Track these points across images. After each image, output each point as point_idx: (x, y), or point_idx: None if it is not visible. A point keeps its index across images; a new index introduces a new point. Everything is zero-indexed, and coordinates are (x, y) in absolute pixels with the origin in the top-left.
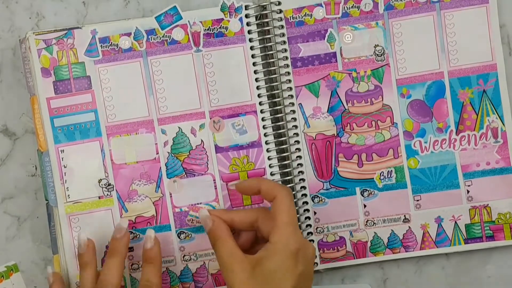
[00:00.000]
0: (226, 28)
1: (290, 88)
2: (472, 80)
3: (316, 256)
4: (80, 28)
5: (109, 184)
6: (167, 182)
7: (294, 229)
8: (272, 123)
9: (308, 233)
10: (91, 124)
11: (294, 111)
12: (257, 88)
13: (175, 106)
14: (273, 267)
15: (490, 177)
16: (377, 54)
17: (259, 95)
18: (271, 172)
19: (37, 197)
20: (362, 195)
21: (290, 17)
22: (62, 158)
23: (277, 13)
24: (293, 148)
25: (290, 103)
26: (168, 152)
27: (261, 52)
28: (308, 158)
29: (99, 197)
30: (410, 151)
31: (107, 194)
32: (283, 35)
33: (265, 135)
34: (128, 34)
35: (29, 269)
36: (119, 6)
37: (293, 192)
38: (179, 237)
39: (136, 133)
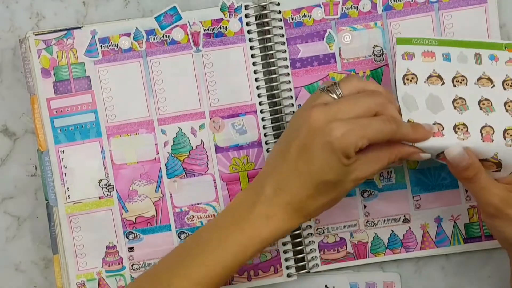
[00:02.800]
0: (226, 28)
1: (290, 89)
2: None
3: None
4: (80, 28)
5: (109, 185)
6: (167, 182)
7: None
8: (272, 123)
9: (308, 234)
10: (91, 124)
11: (294, 112)
12: (257, 88)
13: (175, 106)
14: None
15: None
16: (376, 55)
17: (259, 95)
18: None
19: (37, 197)
20: (362, 196)
21: (288, 18)
22: (63, 159)
23: (277, 13)
24: None
25: (290, 103)
26: (168, 152)
27: (260, 52)
28: None
29: (100, 198)
30: None
31: (107, 195)
32: (283, 35)
33: (265, 135)
34: (128, 34)
35: (29, 269)
36: (119, 6)
37: None
38: (179, 237)
39: (136, 134)
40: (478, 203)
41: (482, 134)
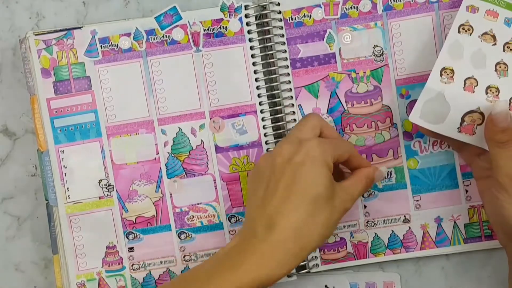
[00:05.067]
0: (226, 28)
1: (290, 89)
2: None
3: (317, 257)
4: (80, 28)
5: (109, 185)
6: (167, 182)
7: None
8: (272, 123)
9: None
10: (91, 124)
11: (294, 112)
12: (257, 88)
13: (175, 106)
14: None
15: None
16: (376, 55)
17: (259, 95)
18: None
19: (37, 197)
20: (362, 196)
21: (289, 18)
22: (63, 159)
23: (277, 13)
24: None
25: (290, 103)
26: (168, 152)
27: (260, 52)
28: None
29: (100, 198)
30: (409, 151)
31: (108, 195)
32: (283, 35)
33: (265, 135)
34: (128, 35)
35: (29, 269)
36: (119, 6)
37: None
38: (179, 237)
39: (136, 134)
40: (495, 171)
41: (510, 103)
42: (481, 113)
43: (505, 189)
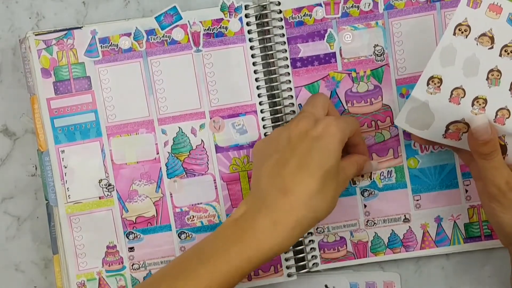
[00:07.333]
0: (226, 28)
1: (290, 89)
2: None
3: (317, 256)
4: (80, 28)
5: (110, 184)
6: (167, 182)
7: None
8: (272, 123)
9: (308, 233)
10: (91, 124)
11: (294, 112)
12: (257, 88)
13: (175, 106)
14: None
15: None
16: (377, 54)
17: (259, 95)
18: None
19: (37, 197)
20: (363, 195)
21: (289, 17)
22: (63, 159)
23: (277, 13)
24: None
25: (290, 103)
26: (168, 152)
27: (261, 52)
28: None
29: (100, 197)
30: (409, 151)
31: (108, 195)
32: (283, 35)
33: (265, 135)
34: (128, 34)
35: (29, 269)
36: (119, 6)
37: None
38: (179, 237)
39: (136, 133)
40: (484, 182)
41: (496, 115)
42: (466, 123)
43: (496, 199)
